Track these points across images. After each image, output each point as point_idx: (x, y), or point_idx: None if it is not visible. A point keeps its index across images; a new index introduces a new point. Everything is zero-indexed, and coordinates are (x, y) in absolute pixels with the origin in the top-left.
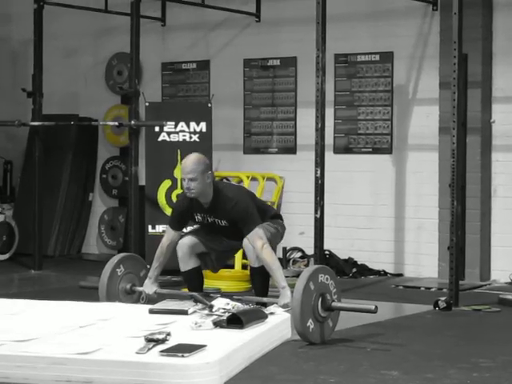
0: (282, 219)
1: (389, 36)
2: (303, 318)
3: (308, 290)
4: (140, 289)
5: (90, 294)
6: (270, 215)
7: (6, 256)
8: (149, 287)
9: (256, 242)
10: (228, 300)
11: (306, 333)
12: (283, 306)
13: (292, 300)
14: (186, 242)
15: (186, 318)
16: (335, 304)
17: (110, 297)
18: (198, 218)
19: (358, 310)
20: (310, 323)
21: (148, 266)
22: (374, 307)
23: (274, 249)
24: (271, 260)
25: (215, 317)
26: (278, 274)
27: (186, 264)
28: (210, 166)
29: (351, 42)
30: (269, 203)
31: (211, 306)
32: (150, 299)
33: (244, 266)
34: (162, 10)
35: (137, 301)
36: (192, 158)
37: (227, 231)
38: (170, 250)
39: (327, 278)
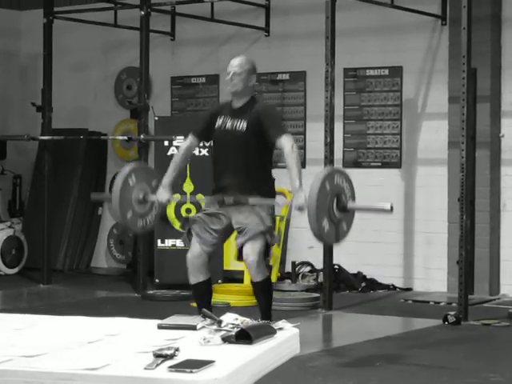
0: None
1: (398, 50)
2: (319, 217)
3: (324, 189)
4: (153, 197)
5: (99, 309)
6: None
7: (15, 270)
8: (162, 194)
9: (286, 143)
10: (237, 315)
11: (321, 233)
12: (298, 209)
13: (307, 199)
14: (194, 253)
15: (194, 333)
16: (350, 205)
17: (124, 207)
18: (219, 122)
19: (374, 210)
20: (325, 223)
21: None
22: (389, 206)
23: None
24: (295, 161)
25: (224, 332)
26: (295, 172)
27: (196, 277)
28: (256, 70)
29: (360, 56)
30: (278, 218)
31: (220, 322)
32: (163, 207)
33: None
34: (171, 25)
35: (150, 210)
36: (241, 57)
37: (242, 141)
38: (186, 156)
39: (343, 180)
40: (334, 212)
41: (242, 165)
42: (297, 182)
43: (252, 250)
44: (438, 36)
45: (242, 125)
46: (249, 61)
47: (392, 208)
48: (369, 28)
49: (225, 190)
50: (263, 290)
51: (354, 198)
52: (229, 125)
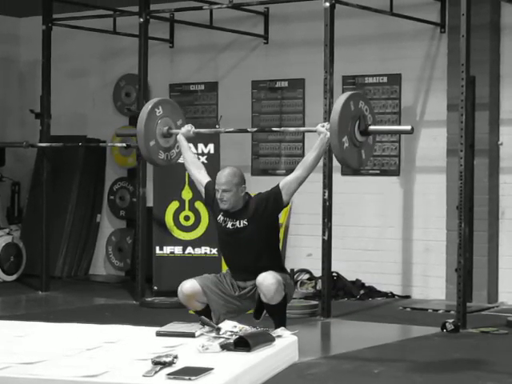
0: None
1: (396, 58)
2: (340, 133)
3: (348, 107)
4: (177, 131)
5: (97, 316)
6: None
7: (14, 277)
8: (185, 128)
9: (295, 171)
10: (235, 323)
11: (341, 149)
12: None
13: (331, 114)
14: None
15: (193, 340)
16: (372, 127)
17: (148, 136)
18: (220, 218)
19: (395, 132)
20: (345, 141)
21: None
22: (410, 127)
23: (289, 300)
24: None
25: (222, 339)
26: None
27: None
28: (244, 180)
29: (359, 63)
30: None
31: (218, 329)
32: (188, 138)
33: None
34: (170, 32)
35: (173, 145)
36: (228, 171)
37: (246, 236)
38: (194, 166)
39: (367, 109)
40: (355, 134)
41: (252, 257)
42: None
43: (272, 275)
44: (436, 44)
45: (242, 222)
46: (235, 173)
47: (413, 129)
48: (367, 35)
49: (241, 281)
50: (279, 309)
51: (375, 123)
52: (229, 225)
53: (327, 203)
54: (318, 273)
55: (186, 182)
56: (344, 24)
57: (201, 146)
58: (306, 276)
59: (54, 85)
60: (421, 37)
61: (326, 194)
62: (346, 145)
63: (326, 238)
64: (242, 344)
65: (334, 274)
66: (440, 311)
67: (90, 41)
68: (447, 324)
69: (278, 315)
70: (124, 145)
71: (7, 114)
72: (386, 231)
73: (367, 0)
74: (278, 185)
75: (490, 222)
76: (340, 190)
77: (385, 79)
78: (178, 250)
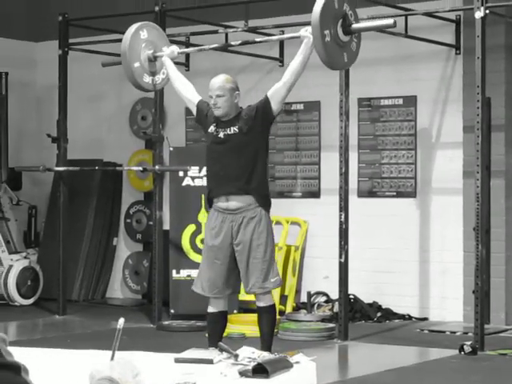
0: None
1: (412, 80)
2: (322, 29)
3: (331, 5)
4: (162, 53)
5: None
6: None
7: (31, 301)
8: (169, 49)
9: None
10: (253, 349)
11: (323, 46)
12: (303, 36)
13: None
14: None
15: (211, 367)
16: (355, 25)
17: (132, 58)
18: (211, 128)
19: (377, 27)
20: (328, 37)
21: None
22: (392, 21)
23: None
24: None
25: (241, 366)
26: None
27: (215, 306)
28: (238, 87)
29: (374, 86)
30: (293, 247)
31: (236, 355)
32: (173, 58)
33: None
34: (186, 55)
35: (158, 71)
36: (220, 77)
37: (232, 145)
38: (183, 87)
39: (351, 12)
40: (338, 32)
41: (241, 168)
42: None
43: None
44: (452, 65)
45: (232, 129)
46: (228, 79)
47: (395, 22)
48: (383, 58)
49: (224, 195)
50: (269, 313)
51: (357, 21)
52: (221, 134)
53: (343, 226)
54: (334, 295)
55: (203, 206)
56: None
57: None
58: (323, 299)
59: (71, 109)
60: (436, 58)
61: (343, 217)
62: (328, 39)
63: (342, 260)
64: (261, 370)
65: (351, 297)
66: (458, 333)
67: None
68: (465, 346)
69: (266, 321)
70: (140, 168)
71: (24, 138)
72: (402, 253)
73: None
74: (266, 94)
75: (507, 244)
76: (356, 212)
77: (400, 101)
78: (194, 273)
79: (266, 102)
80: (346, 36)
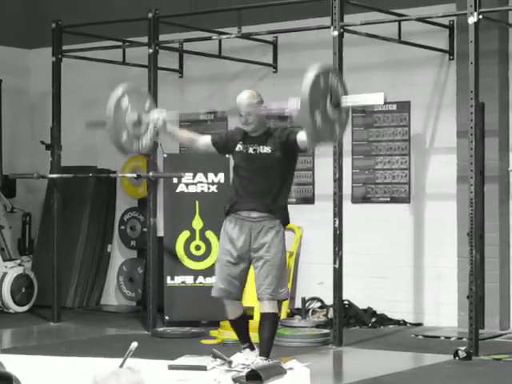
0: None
1: (405, 85)
2: (312, 107)
3: (317, 83)
4: (148, 118)
5: (109, 347)
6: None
7: (25, 308)
8: (157, 112)
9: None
10: (247, 355)
11: (313, 125)
12: (291, 110)
13: (301, 94)
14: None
15: (205, 374)
16: (344, 103)
17: (118, 129)
18: (240, 147)
19: (366, 104)
20: (318, 116)
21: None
22: (382, 97)
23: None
24: None
25: (234, 373)
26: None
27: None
28: (262, 100)
29: (368, 91)
30: (288, 253)
31: (230, 362)
32: (158, 127)
33: None
34: (179, 62)
35: (145, 131)
36: (246, 94)
37: (268, 162)
38: (194, 143)
39: (336, 80)
40: (328, 108)
41: (268, 188)
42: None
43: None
44: (445, 71)
45: (265, 148)
46: (254, 95)
47: (385, 98)
48: (376, 63)
49: (247, 210)
50: (272, 321)
51: (346, 94)
52: (251, 149)
53: (338, 231)
54: (329, 301)
55: (197, 212)
56: (352, 52)
57: (211, 175)
58: (318, 304)
59: (65, 116)
60: (429, 64)
61: (337, 223)
62: (319, 123)
63: (337, 266)
64: (254, 377)
65: (346, 302)
66: (452, 338)
67: (99, 71)
68: (459, 351)
69: (268, 327)
70: (134, 175)
71: (18, 145)
72: (396, 258)
73: (375, 28)
74: (296, 136)
75: (501, 249)
76: (350, 217)
77: (394, 107)
78: (189, 279)
79: (293, 140)
80: (336, 110)
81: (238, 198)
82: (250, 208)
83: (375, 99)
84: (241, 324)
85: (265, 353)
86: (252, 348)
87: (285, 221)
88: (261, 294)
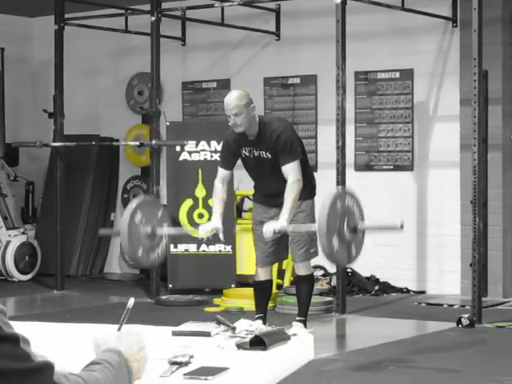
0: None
1: (409, 53)
2: (329, 234)
3: (334, 208)
4: (161, 231)
5: (112, 315)
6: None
7: (29, 276)
8: (216, 221)
9: (289, 174)
10: (251, 321)
11: (330, 252)
12: (276, 230)
13: (318, 220)
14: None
15: (208, 339)
16: (361, 225)
17: (133, 245)
18: (245, 153)
19: (384, 229)
20: (335, 242)
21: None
22: (399, 224)
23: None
24: (294, 195)
25: (238, 339)
26: (288, 205)
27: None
28: (251, 99)
29: (371, 59)
30: None
31: (234, 328)
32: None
33: None
34: (181, 30)
35: (159, 243)
36: (233, 95)
37: (271, 166)
38: (225, 187)
39: (353, 202)
40: (345, 232)
41: (279, 185)
42: (285, 211)
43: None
44: (448, 38)
45: (267, 154)
46: (241, 96)
47: (402, 225)
48: (379, 31)
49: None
50: (308, 281)
51: (363, 220)
52: (256, 153)
53: None
54: (332, 269)
55: (200, 180)
56: (356, 20)
57: (214, 143)
58: (321, 272)
59: (67, 84)
60: (433, 32)
61: None
62: (337, 246)
63: None
64: (258, 343)
65: (349, 270)
66: (455, 306)
67: (102, 40)
68: (462, 319)
69: (304, 288)
70: (137, 143)
71: (20, 113)
72: None
73: None
74: (283, 161)
75: (505, 217)
76: (353, 185)
77: (397, 74)
78: (192, 247)
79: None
80: (352, 234)
81: (261, 198)
82: (274, 205)
83: (393, 225)
84: (267, 288)
85: (303, 313)
86: (264, 323)
87: (308, 197)
88: (294, 256)
